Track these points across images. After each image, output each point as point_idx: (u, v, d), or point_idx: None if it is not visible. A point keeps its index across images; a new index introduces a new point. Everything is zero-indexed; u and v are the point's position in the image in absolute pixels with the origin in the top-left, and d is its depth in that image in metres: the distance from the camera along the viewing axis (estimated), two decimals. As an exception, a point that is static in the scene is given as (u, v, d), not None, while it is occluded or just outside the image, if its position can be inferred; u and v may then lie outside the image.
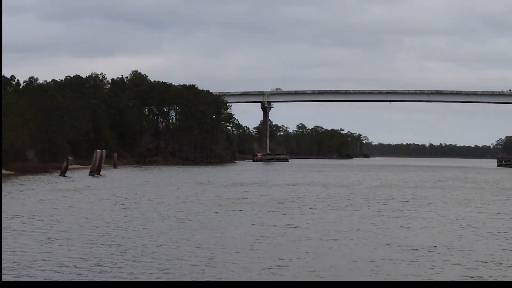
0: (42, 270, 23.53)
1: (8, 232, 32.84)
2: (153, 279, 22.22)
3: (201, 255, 26.83)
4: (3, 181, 76.04)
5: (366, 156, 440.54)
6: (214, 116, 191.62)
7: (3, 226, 34.94)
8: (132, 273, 23.13)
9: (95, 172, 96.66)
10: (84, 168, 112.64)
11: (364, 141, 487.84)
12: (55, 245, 29.14)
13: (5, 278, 21.97)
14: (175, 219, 39.89)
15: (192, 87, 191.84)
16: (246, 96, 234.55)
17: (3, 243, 29.54)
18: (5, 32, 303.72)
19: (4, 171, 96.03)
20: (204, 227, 36.15)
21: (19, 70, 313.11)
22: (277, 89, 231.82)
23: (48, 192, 59.28)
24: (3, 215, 40.18)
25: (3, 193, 57.34)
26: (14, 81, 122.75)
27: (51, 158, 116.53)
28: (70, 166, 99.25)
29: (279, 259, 26.24)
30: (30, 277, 22.32)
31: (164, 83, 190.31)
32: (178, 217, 40.94)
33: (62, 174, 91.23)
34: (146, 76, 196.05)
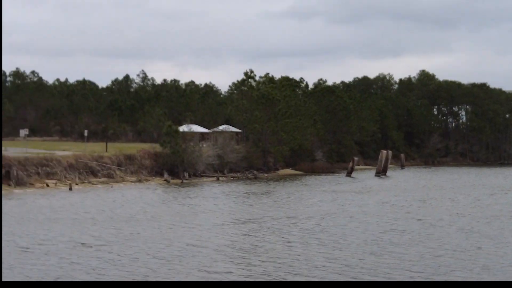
0: (295, 274, 23.46)
1: (282, 237, 33.46)
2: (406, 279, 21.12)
3: (470, 265, 25.06)
4: (291, 181, 78.75)
5: None
6: (507, 116, 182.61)
7: (273, 227, 35.75)
8: (389, 277, 22.17)
9: (380, 172, 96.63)
10: (370, 168, 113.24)
11: None
12: (319, 247, 29.04)
13: (287, 278, 22.24)
14: (452, 227, 38.02)
15: (483, 86, 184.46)
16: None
17: (283, 247, 30.09)
18: (298, 38, 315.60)
19: (293, 171, 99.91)
20: (483, 235, 33.96)
21: (309, 73, 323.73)
22: None
23: (327, 194, 60.02)
24: (281, 215, 41.18)
25: (290, 193, 59.22)
26: (303, 83, 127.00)
27: (339, 159, 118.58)
28: (357, 167, 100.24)
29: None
30: (296, 276, 22.26)
31: (453, 82, 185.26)
32: (458, 225, 38.97)
33: (348, 174, 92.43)
34: (434, 75, 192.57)
